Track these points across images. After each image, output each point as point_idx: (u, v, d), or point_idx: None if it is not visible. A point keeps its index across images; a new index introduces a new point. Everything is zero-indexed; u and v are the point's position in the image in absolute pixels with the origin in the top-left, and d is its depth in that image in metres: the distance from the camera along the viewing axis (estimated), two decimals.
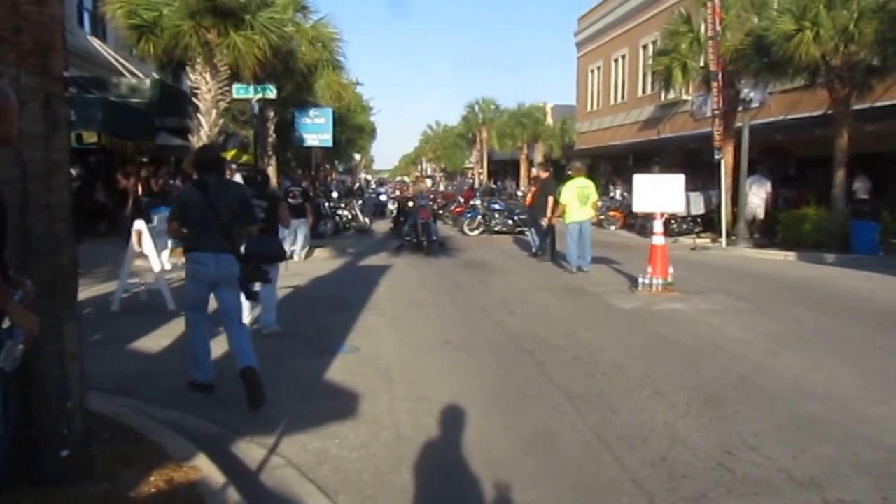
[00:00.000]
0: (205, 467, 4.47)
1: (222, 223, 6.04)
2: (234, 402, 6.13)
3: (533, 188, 17.21)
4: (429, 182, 27.80)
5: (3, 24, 3.50)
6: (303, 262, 16.33)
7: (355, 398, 6.29)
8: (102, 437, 4.71)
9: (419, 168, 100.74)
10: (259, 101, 20.16)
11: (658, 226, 11.91)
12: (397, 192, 34.17)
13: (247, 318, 8.90)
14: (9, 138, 3.05)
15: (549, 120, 50.39)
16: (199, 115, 17.69)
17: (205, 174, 6.23)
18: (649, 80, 30.89)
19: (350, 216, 25.15)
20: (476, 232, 23.98)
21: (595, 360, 7.54)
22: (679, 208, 13.66)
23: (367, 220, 25.96)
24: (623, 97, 37.81)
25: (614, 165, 37.76)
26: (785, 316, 10.03)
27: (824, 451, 5.08)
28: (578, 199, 14.05)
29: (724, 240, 20.03)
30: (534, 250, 16.95)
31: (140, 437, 4.93)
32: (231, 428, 5.54)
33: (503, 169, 62.33)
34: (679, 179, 12.21)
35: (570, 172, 16.30)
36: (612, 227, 26.56)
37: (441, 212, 27.62)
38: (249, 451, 5.10)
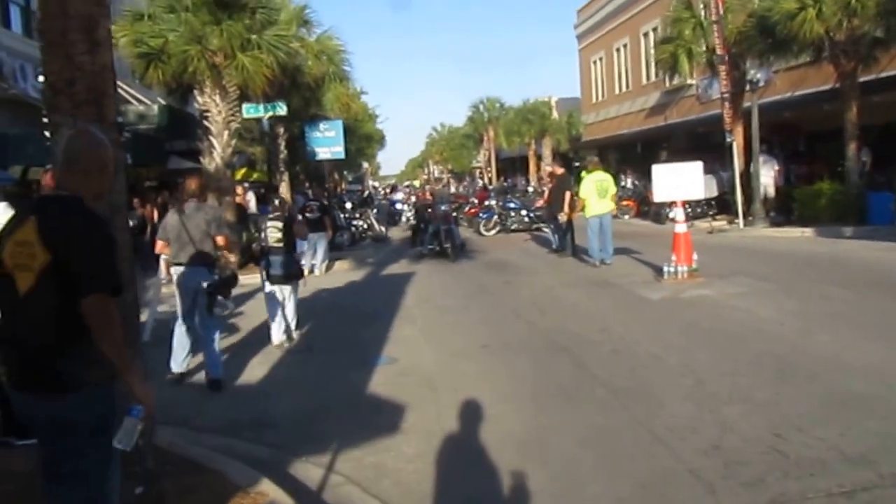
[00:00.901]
0: (270, 492, 4.56)
1: (193, 241, 7.31)
2: (281, 422, 6.27)
3: (549, 185, 17.26)
4: (439, 185, 27.76)
5: (58, 75, 3.64)
6: (324, 275, 16.45)
7: (402, 409, 6.39)
8: (165, 470, 4.82)
9: (426, 171, 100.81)
10: (269, 118, 20.31)
11: (679, 213, 11.99)
12: (412, 198, 33.99)
13: (277, 337, 9.26)
14: (104, 192, 3.17)
15: (555, 114, 50.37)
16: (211, 138, 17.82)
17: (185, 201, 7.60)
18: (653, 67, 30.93)
19: (366, 226, 25.26)
20: (493, 232, 24.05)
21: (633, 352, 7.63)
22: (700, 195, 13.73)
23: (382, 228, 26.05)
24: (627, 86, 37.80)
25: (623, 154, 37.74)
26: (812, 294, 10.07)
27: (871, 426, 5.15)
28: (598, 192, 14.15)
29: (740, 221, 20.07)
30: (554, 247, 17.03)
31: (200, 467, 5.01)
32: (284, 449, 5.65)
33: (511, 166, 62.33)
34: (697, 166, 12.28)
35: (587, 167, 16.34)
36: (626, 217, 26.55)
37: (455, 214, 27.72)
38: (307, 471, 5.21)
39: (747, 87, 20.33)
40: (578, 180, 18.58)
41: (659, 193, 12.61)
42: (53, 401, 2.92)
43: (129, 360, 3.04)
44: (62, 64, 3.62)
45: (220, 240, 7.57)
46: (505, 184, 50.37)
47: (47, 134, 3.97)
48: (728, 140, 20.97)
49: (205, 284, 7.27)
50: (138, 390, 3.02)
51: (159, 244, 7.90)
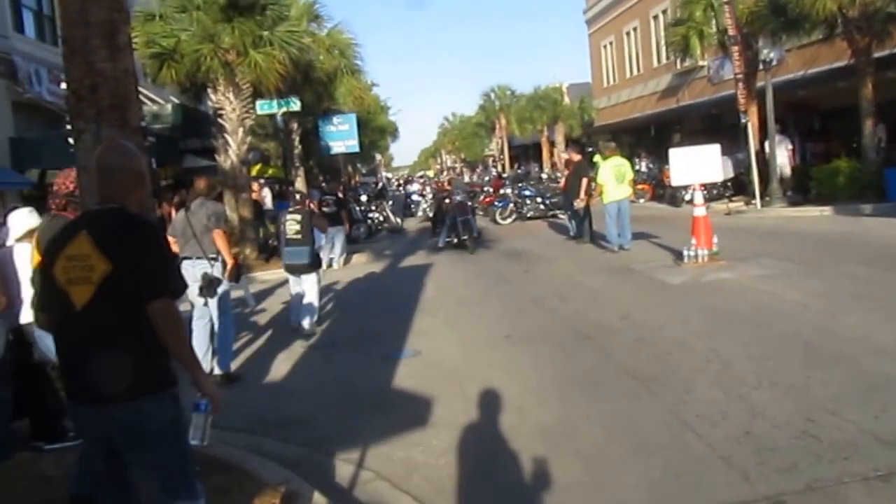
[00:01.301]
0: (302, 490, 4.59)
1: (196, 236, 7.60)
2: (308, 419, 6.29)
3: (566, 171, 17.18)
4: (455, 175, 27.53)
5: (81, 82, 3.64)
6: (342, 268, 16.50)
7: (429, 402, 6.40)
8: (196, 470, 4.84)
9: (439, 161, 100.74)
10: (283, 114, 20.33)
11: (698, 197, 11.91)
12: (427, 189, 33.87)
13: (307, 323, 9.61)
14: (144, 201, 3.26)
15: (567, 100, 50.14)
16: (226, 135, 17.90)
17: (193, 199, 7.99)
18: (664, 49, 30.69)
19: (382, 218, 25.30)
20: (509, 220, 24.01)
21: (657, 339, 7.59)
22: (718, 177, 13.63)
23: (398, 220, 26.08)
24: (639, 69, 37.57)
25: (637, 138, 37.52)
26: (835, 274, 9.99)
27: None
28: (616, 178, 14.09)
29: (757, 202, 19.91)
30: (571, 234, 16.98)
31: (230, 466, 5.00)
32: (312, 446, 5.67)
33: (524, 153, 62.14)
34: (715, 149, 12.20)
35: (604, 153, 16.25)
36: (642, 200, 26.44)
37: (471, 203, 27.68)
38: (337, 467, 5.23)
39: (760, 67, 20.15)
40: (592, 165, 18.55)
41: (677, 177, 12.55)
42: (126, 410, 2.94)
43: (195, 357, 3.13)
44: (84, 70, 3.63)
45: (215, 233, 7.73)
46: (519, 171, 50.23)
47: (70, 140, 3.97)
48: (743, 121, 20.80)
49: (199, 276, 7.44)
50: (206, 386, 3.15)
51: (170, 241, 8.10)
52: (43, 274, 3.10)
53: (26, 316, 5.13)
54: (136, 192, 3.17)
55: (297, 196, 10.92)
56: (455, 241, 17.51)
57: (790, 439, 4.78)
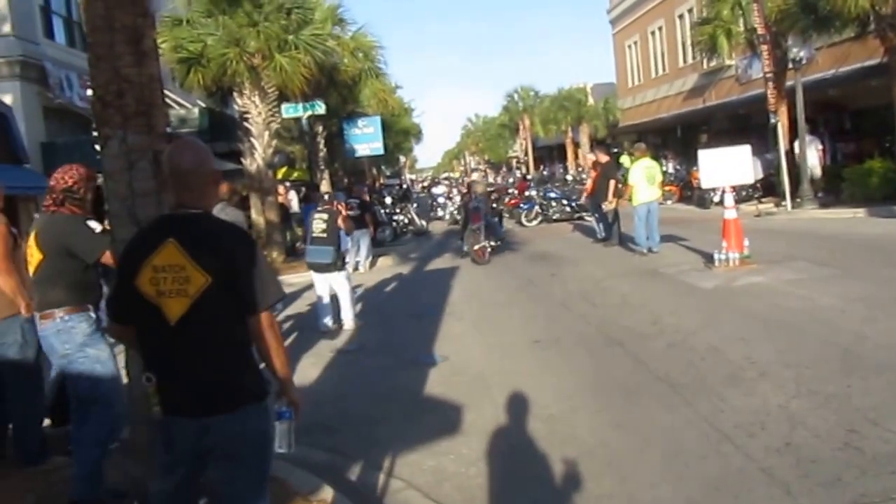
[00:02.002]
0: (332, 498, 4.52)
1: None
2: (338, 425, 6.23)
3: (593, 173, 16.99)
4: (475, 175, 27.10)
5: (107, 88, 3.59)
6: (368, 271, 16.46)
7: (458, 409, 6.31)
8: None
9: (462, 162, 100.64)
10: (308, 117, 20.37)
11: (729, 199, 11.71)
12: (454, 191, 33.60)
13: (349, 321, 9.99)
14: (213, 204, 3.20)
15: (591, 100, 49.86)
16: (252, 139, 17.97)
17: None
18: (689, 49, 30.38)
19: (406, 220, 25.26)
20: (535, 222, 23.86)
21: (689, 345, 7.44)
22: (749, 179, 13.37)
23: (423, 222, 26.01)
24: (664, 69, 37.23)
25: (663, 139, 37.20)
26: (873, 278, 9.74)
27: None
28: (647, 179, 13.92)
29: (788, 203, 19.61)
30: (598, 236, 16.80)
31: None
32: (341, 454, 5.61)
33: (549, 154, 61.92)
34: (745, 150, 11.99)
35: (633, 154, 16.05)
36: (669, 202, 26.14)
37: (496, 205, 27.48)
38: (366, 475, 5.16)
39: (790, 66, 19.86)
40: (618, 167, 18.36)
41: (707, 179, 12.34)
42: (229, 420, 2.88)
43: (289, 367, 3.09)
44: (110, 76, 3.58)
45: None
46: (544, 173, 50.03)
47: (97, 147, 3.93)
48: (773, 121, 20.50)
49: None
50: (292, 393, 3.10)
51: None
52: (122, 284, 2.95)
53: None
54: (211, 194, 3.06)
55: (326, 196, 11.06)
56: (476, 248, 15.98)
57: (832, 451, 4.63)
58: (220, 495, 3.04)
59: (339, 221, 10.16)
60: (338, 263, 9.88)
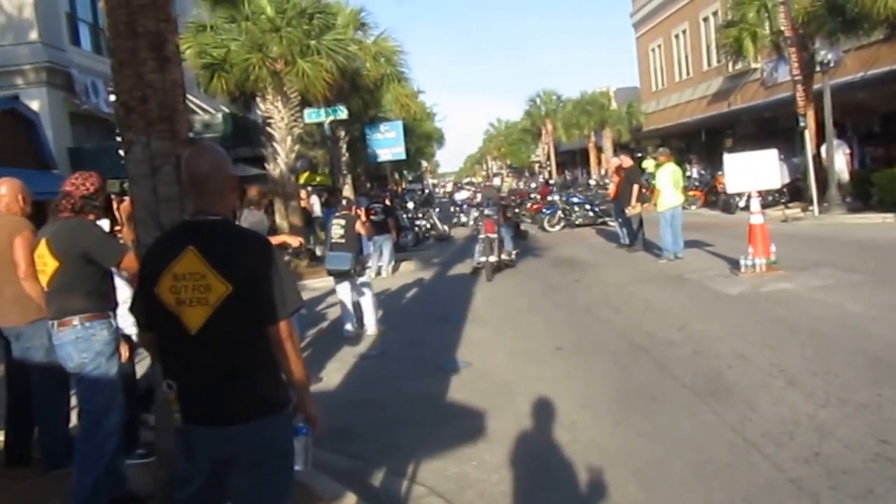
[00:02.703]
0: None
1: None
2: (360, 431, 6.19)
3: (616, 178, 16.86)
4: (497, 181, 26.86)
5: (130, 94, 3.59)
6: (391, 276, 16.45)
7: (480, 416, 6.26)
8: None
9: (484, 167, 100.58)
10: (330, 122, 20.43)
11: (755, 204, 11.55)
12: (478, 196, 33.36)
13: (371, 325, 9.99)
14: (233, 209, 3.17)
15: (614, 104, 49.67)
16: (275, 144, 18.04)
17: (245, 207, 7.84)
18: (714, 52, 30.17)
19: (429, 225, 25.23)
20: (557, 227, 23.74)
21: (716, 352, 7.34)
22: (776, 184, 13.20)
23: (445, 227, 25.97)
24: (688, 73, 37.01)
25: (687, 143, 36.97)
26: None
27: None
28: (673, 184, 13.80)
29: (815, 208, 19.37)
30: (622, 241, 16.68)
31: None
32: (365, 459, 5.57)
33: (571, 159, 61.78)
34: (772, 154, 11.84)
35: (658, 159, 15.91)
36: (693, 207, 25.95)
37: (518, 210, 27.33)
38: (389, 482, 5.12)
39: (817, 69, 19.65)
40: (641, 171, 18.20)
41: (732, 184, 12.21)
42: (252, 429, 2.84)
43: (307, 379, 3.04)
44: (133, 82, 3.58)
45: None
46: (567, 177, 49.88)
47: (121, 153, 3.93)
48: (801, 124, 20.28)
49: None
50: (310, 408, 3.04)
51: None
52: (144, 291, 2.92)
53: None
54: (230, 199, 3.01)
55: (345, 201, 11.04)
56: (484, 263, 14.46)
57: (864, 462, 4.53)
58: (242, 502, 3.01)
59: (358, 226, 10.13)
60: (356, 269, 9.82)
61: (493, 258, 14.21)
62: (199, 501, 3.03)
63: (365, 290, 9.99)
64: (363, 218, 10.82)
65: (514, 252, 15.83)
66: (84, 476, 4.27)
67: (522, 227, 22.28)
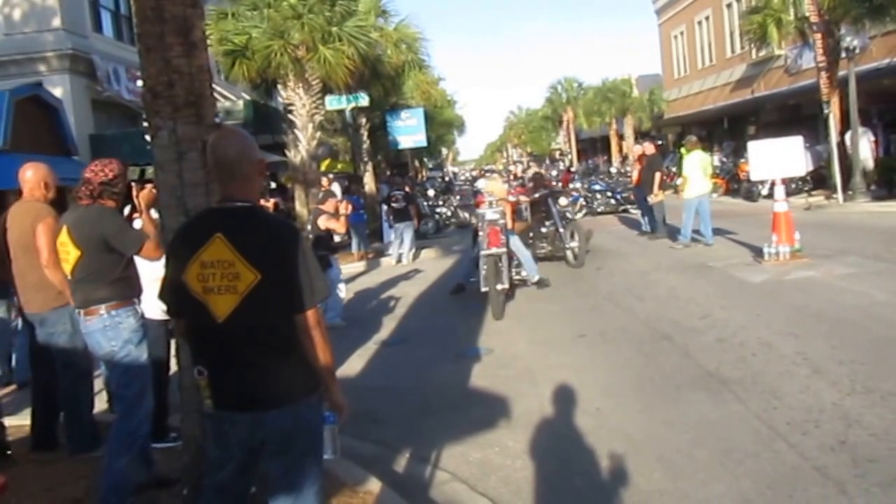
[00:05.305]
0: (379, 490, 4.51)
1: None
2: (383, 417, 6.22)
3: (638, 165, 16.73)
4: (520, 169, 26.26)
5: (157, 79, 3.60)
6: (412, 263, 16.47)
7: (503, 402, 6.26)
8: None
9: (505, 155, 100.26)
10: (352, 109, 20.43)
11: (779, 191, 11.44)
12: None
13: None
14: (258, 195, 3.12)
15: (636, 92, 49.29)
16: (296, 131, 18.07)
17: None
18: (737, 39, 29.84)
19: (449, 213, 25.22)
20: (579, 215, 23.59)
21: (740, 340, 7.28)
22: (801, 171, 13.04)
23: (466, 215, 25.93)
24: (711, 59, 36.64)
25: (709, 130, 36.63)
26: None
27: None
28: (702, 171, 13.69)
29: (839, 195, 19.16)
30: (644, 229, 16.59)
31: None
32: (388, 445, 5.59)
33: (592, 146, 61.46)
34: (797, 141, 11.72)
35: (686, 146, 15.76)
36: (716, 195, 25.67)
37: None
38: (412, 467, 5.15)
39: (843, 55, 19.38)
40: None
41: (757, 171, 12.10)
42: (283, 413, 2.85)
43: (334, 367, 3.02)
44: (160, 67, 3.59)
45: None
46: (589, 165, 49.62)
47: (147, 138, 3.94)
48: (826, 111, 20.04)
49: None
50: (337, 397, 3.05)
51: None
52: (173, 279, 2.91)
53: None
54: (256, 185, 2.99)
55: (321, 193, 10.90)
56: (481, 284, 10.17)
57: (890, 451, 4.49)
58: (273, 486, 3.01)
59: (323, 221, 9.77)
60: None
61: (501, 285, 9.83)
62: (230, 487, 3.04)
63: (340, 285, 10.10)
64: (331, 209, 10.05)
65: (536, 276, 11.31)
66: (117, 459, 4.29)
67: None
